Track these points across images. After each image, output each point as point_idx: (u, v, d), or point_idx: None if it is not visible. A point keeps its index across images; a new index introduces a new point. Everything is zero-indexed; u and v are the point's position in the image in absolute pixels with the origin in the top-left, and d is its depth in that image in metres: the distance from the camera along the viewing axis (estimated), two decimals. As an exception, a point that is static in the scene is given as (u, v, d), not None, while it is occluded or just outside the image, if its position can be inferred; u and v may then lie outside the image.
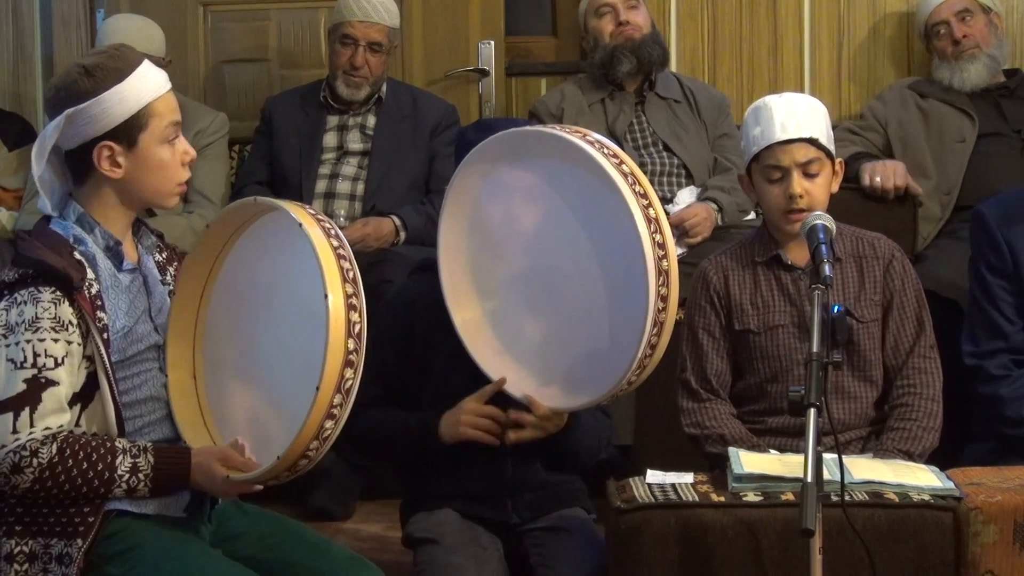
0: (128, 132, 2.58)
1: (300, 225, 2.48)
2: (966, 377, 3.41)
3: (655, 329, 2.64)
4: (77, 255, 2.55)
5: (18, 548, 2.51)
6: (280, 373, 2.57)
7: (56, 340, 2.48)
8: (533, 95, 4.97)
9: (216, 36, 5.00)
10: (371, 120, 4.51)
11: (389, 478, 3.51)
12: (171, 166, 2.64)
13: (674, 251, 2.66)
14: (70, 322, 2.50)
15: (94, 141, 2.57)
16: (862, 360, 3.13)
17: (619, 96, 4.51)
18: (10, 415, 2.46)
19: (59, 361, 2.48)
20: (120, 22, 4.57)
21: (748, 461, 2.84)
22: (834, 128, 3.25)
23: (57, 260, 2.50)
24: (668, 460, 3.08)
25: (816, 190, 3.09)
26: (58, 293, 2.49)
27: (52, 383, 2.48)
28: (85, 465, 2.49)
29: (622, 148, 4.32)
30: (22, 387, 2.46)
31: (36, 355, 2.47)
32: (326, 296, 2.42)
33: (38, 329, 2.47)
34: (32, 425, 2.46)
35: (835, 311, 2.59)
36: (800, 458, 2.52)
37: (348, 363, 2.43)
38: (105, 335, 2.53)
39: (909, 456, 3.02)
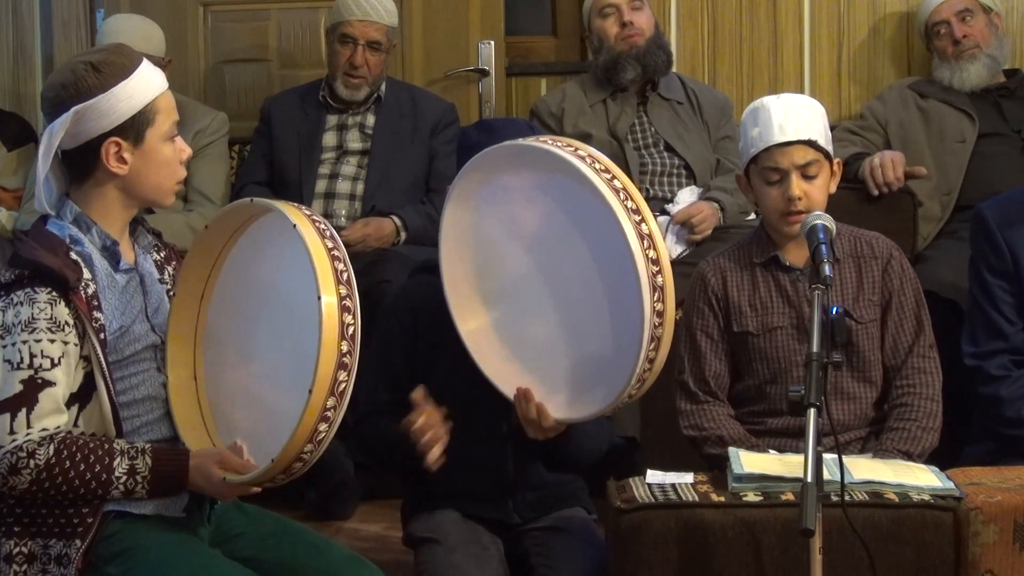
0: (135, 128, 2.58)
1: (294, 226, 2.48)
2: (966, 377, 3.41)
3: (652, 344, 2.63)
4: (73, 255, 2.55)
5: (17, 549, 2.51)
6: (277, 375, 2.56)
7: (52, 341, 2.48)
8: (533, 95, 4.97)
9: (216, 36, 5.00)
10: (370, 119, 4.51)
11: (389, 478, 3.51)
12: (173, 163, 2.65)
13: (668, 265, 2.64)
14: (66, 323, 2.49)
15: (101, 138, 2.57)
16: (861, 360, 3.12)
17: (621, 96, 4.51)
18: (7, 416, 2.45)
19: (56, 362, 2.48)
20: (120, 22, 4.57)
21: (748, 461, 2.84)
22: (834, 128, 3.25)
23: (53, 261, 2.49)
24: (670, 460, 3.08)
25: (815, 192, 3.09)
26: (54, 294, 2.49)
27: (49, 384, 2.47)
28: (82, 467, 2.49)
29: (623, 148, 4.38)
30: (19, 388, 2.46)
31: (33, 356, 2.47)
32: (319, 298, 2.41)
33: (34, 330, 2.47)
34: (29, 426, 2.46)
35: (833, 312, 2.59)
36: (800, 458, 2.52)
37: (342, 365, 2.42)
38: (102, 335, 2.53)
39: (909, 456, 3.02)
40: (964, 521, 2.73)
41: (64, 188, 2.64)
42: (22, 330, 2.47)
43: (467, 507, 3.03)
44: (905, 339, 3.14)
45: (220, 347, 2.69)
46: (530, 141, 2.78)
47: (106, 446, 2.52)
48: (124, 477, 2.52)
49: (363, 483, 3.93)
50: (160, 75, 2.65)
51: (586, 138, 4.18)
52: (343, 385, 2.44)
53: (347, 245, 4.07)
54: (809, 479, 2.39)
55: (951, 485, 2.80)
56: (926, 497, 2.76)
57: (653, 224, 2.64)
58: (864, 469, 2.83)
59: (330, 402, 2.42)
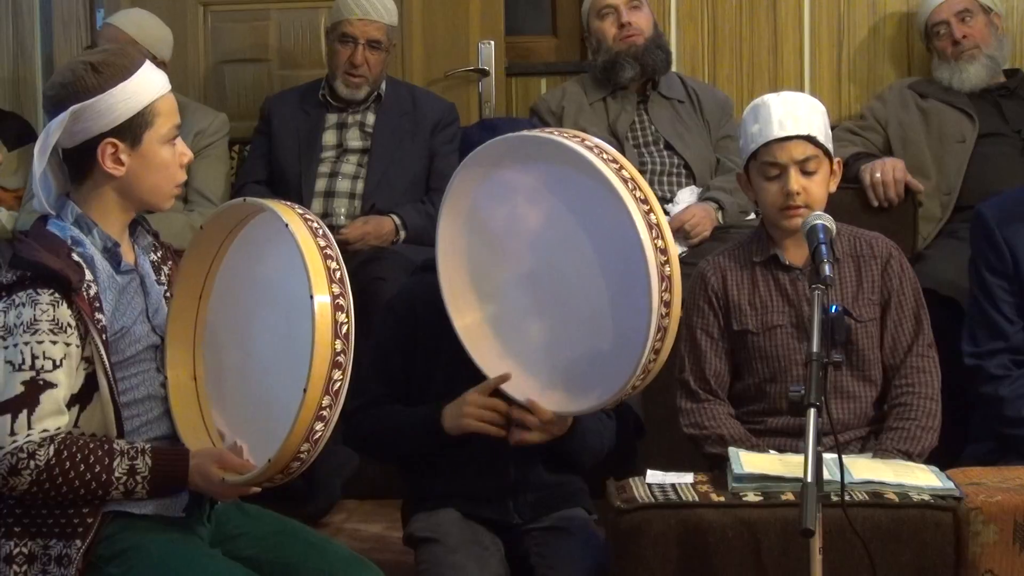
0: (133, 130, 2.58)
1: (286, 225, 2.46)
2: (966, 377, 3.41)
3: (659, 334, 2.63)
4: (75, 256, 2.55)
5: (17, 549, 2.51)
6: (274, 375, 2.56)
7: (54, 342, 2.48)
8: (533, 95, 4.97)
9: (216, 36, 5.00)
10: (370, 118, 4.51)
11: (389, 478, 3.50)
12: (171, 166, 2.64)
13: (676, 256, 2.65)
14: (68, 324, 2.49)
15: (98, 138, 2.57)
16: (861, 360, 3.13)
17: (621, 95, 4.51)
18: (8, 417, 2.45)
19: (57, 363, 2.48)
20: (133, 16, 4.57)
21: (748, 461, 2.85)
22: (834, 128, 3.25)
23: (55, 262, 2.49)
24: (670, 460, 3.08)
25: (814, 187, 3.09)
26: (56, 295, 2.49)
27: (50, 385, 2.47)
28: (82, 467, 2.48)
29: (623, 147, 4.38)
30: (20, 389, 2.46)
31: (34, 357, 2.46)
32: (311, 297, 2.40)
33: (36, 331, 2.47)
34: (30, 427, 2.46)
35: (832, 310, 2.59)
36: (800, 458, 2.52)
37: (336, 364, 2.41)
38: (104, 336, 2.53)
39: (908, 456, 3.02)
40: (964, 521, 2.73)
41: (64, 188, 2.63)
42: (24, 331, 2.47)
43: (467, 507, 3.03)
44: (904, 339, 3.14)
45: (218, 347, 2.69)
46: (536, 132, 2.78)
47: (106, 447, 2.52)
48: (124, 477, 2.51)
49: (363, 483, 3.91)
50: (162, 77, 2.64)
51: (585, 136, 4.18)
52: (338, 384, 2.43)
53: (346, 243, 4.12)
54: (809, 479, 2.39)
55: (951, 485, 2.80)
56: (926, 497, 2.76)
57: (661, 215, 2.65)
58: (864, 469, 2.83)
59: (325, 401, 2.41)
